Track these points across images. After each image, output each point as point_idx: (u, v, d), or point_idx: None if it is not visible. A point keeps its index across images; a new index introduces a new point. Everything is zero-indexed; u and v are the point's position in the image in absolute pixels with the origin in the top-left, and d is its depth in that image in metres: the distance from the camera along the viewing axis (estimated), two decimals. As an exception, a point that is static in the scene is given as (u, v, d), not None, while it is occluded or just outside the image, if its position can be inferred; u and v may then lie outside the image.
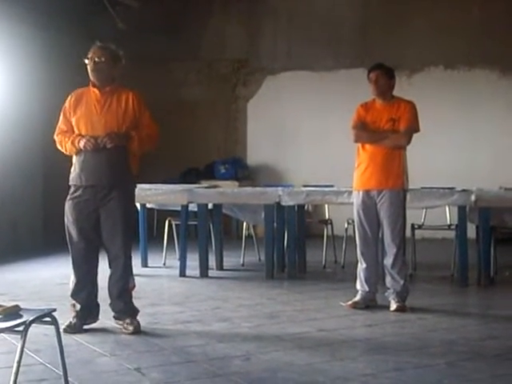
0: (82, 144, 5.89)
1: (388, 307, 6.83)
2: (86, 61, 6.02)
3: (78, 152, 5.97)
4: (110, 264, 6.09)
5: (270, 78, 13.52)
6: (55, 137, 6.11)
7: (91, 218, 5.97)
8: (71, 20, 11.49)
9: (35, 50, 10.88)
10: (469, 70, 12.62)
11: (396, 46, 12.49)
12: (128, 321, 6.02)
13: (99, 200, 5.94)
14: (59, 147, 6.10)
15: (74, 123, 6.02)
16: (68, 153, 6.08)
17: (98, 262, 6.12)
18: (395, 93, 6.98)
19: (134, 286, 6.27)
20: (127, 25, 12.31)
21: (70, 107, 6.06)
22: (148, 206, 9.54)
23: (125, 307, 6.11)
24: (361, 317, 6.63)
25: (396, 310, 6.76)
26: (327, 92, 13.01)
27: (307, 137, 13.12)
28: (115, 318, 6.12)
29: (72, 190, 6.03)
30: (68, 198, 6.03)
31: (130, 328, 5.97)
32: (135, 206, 6.84)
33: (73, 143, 5.94)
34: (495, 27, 12.29)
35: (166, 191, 8.97)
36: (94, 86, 6.05)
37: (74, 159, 6.05)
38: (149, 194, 8.88)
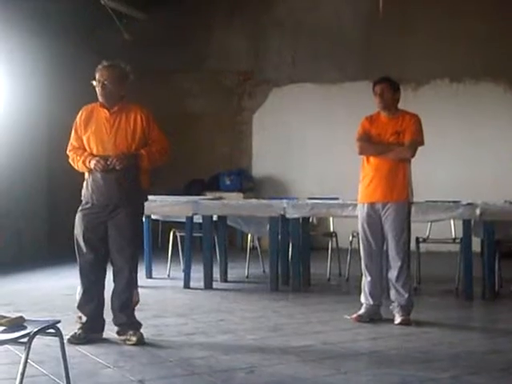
0: (92, 165, 5.96)
1: (392, 320, 6.82)
2: (94, 83, 6.05)
3: (90, 171, 6.04)
4: (114, 277, 6.10)
5: (276, 90, 13.53)
6: (68, 153, 6.18)
7: (99, 229, 6.03)
8: (78, 32, 11.53)
9: (41, 62, 10.91)
10: (474, 84, 12.63)
11: (401, 59, 12.50)
12: (131, 332, 6.03)
13: (108, 213, 6.01)
14: (72, 163, 6.17)
15: (84, 141, 6.09)
16: (79, 170, 6.15)
17: (105, 274, 6.15)
18: (400, 106, 6.98)
19: (138, 301, 6.24)
20: (133, 37, 12.35)
21: (81, 124, 6.11)
22: (153, 217, 9.55)
23: (127, 321, 6.10)
24: (365, 330, 6.61)
25: (400, 324, 6.74)
26: (332, 104, 13.02)
27: (312, 149, 13.12)
28: (118, 332, 6.11)
29: (83, 203, 6.11)
30: (79, 209, 6.11)
31: (134, 339, 5.98)
32: (142, 220, 6.85)
33: (84, 163, 6.02)
34: (501, 40, 12.28)
35: (171, 203, 8.98)
36: (103, 105, 6.10)
37: (87, 176, 6.11)
38: (154, 206, 8.87)
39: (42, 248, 11.23)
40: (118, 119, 6.06)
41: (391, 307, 6.92)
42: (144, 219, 9.29)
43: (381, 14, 12.46)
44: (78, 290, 6.12)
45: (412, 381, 4.95)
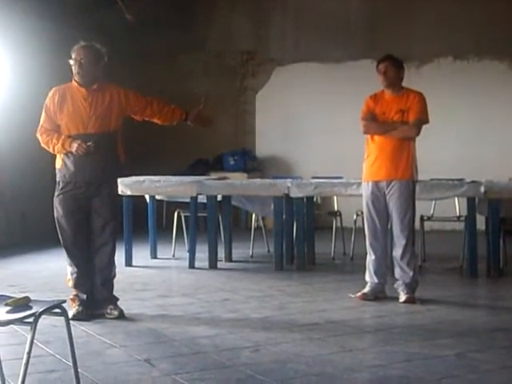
0: (74, 149, 6.00)
1: (397, 299, 6.83)
2: (71, 61, 6.11)
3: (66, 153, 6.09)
4: (94, 254, 6.18)
5: (279, 69, 13.50)
6: (39, 135, 6.20)
7: (84, 208, 6.14)
8: (80, 13, 11.49)
9: (43, 43, 10.90)
10: (478, 61, 12.59)
11: (405, 37, 12.45)
12: (111, 306, 6.16)
13: (94, 190, 6.11)
14: (44, 146, 6.21)
15: (60, 122, 6.12)
16: (55, 153, 6.19)
17: (89, 250, 6.21)
18: (404, 84, 6.96)
19: (115, 275, 6.36)
20: (136, 18, 12.31)
21: (55, 106, 6.14)
22: (157, 197, 9.55)
23: (108, 295, 6.24)
24: (370, 308, 6.63)
25: (405, 302, 6.75)
26: (336, 83, 12.98)
27: (316, 128, 13.09)
28: (96, 305, 6.20)
29: (62, 185, 6.16)
30: (57, 193, 6.18)
31: (115, 313, 6.12)
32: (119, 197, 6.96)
33: (63, 146, 6.06)
34: (504, 18, 12.23)
35: (175, 183, 8.97)
36: (80, 85, 6.13)
37: (63, 156, 6.14)
38: (158, 186, 8.89)
39: (47, 230, 11.22)
40: (95, 97, 6.12)
41: (396, 285, 6.93)
42: (148, 199, 9.39)
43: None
44: (70, 271, 6.22)
45: (417, 358, 4.96)
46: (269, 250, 9.84)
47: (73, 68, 6.11)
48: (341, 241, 9.71)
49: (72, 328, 4.09)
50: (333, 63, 13.08)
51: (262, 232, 10.15)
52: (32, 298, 3.97)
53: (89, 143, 5.97)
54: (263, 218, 10.42)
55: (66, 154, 6.09)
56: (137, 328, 5.87)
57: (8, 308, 3.82)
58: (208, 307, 6.64)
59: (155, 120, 6.47)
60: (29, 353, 3.70)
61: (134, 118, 6.45)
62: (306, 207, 8.87)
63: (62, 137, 6.06)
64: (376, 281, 6.94)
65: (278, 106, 13.39)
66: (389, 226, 7.00)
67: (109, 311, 6.14)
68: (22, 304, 3.88)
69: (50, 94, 6.19)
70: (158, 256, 9.60)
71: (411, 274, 6.84)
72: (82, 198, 6.11)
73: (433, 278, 8.10)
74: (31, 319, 3.70)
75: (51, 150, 6.17)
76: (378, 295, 6.95)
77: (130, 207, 8.94)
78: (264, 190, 8.81)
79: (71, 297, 6.17)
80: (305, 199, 8.79)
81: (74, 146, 5.99)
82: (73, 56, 6.09)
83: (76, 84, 6.14)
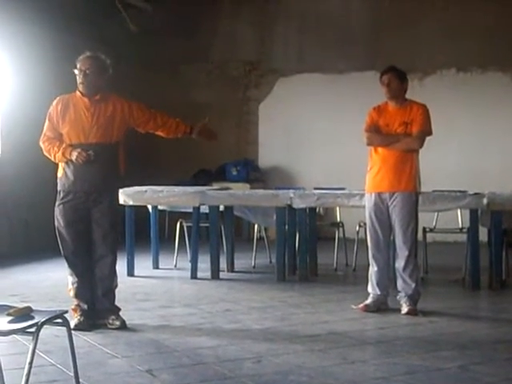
0: (74, 157, 6.01)
1: (399, 310, 6.82)
2: (76, 71, 6.13)
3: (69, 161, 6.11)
4: (95, 264, 6.19)
5: (282, 80, 13.51)
6: (42, 143, 6.24)
7: (84, 218, 6.14)
8: (84, 23, 11.52)
9: (47, 52, 10.92)
10: (481, 73, 12.59)
11: (408, 49, 12.46)
12: (113, 317, 6.16)
13: (92, 201, 6.12)
14: (46, 154, 6.25)
15: (62, 131, 6.14)
16: (57, 161, 6.22)
17: (91, 261, 6.21)
18: (407, 96, 6.97)
19: (117, 286, 6.36)
20: (139, 27, 12.34)
21: (58, 115, 6.17)
22: (160, 207, 9.56)
23: (110, 306, 6.24)
24: (372, 320, 6.62)
25: (407, 314, 6.74)
26: (339, 94, 12.99)
27: (319, 139, 13.10)
28: (99, 317, 6.20)
29: (62, 194, 6.18)
30: (58, 202, 6.20)
31: (117, 323, 6.12)
32: (120, 207, 6.97)
33: (64, 154, 6.08)
34: (508, 30, 12.24)
35: (178, 193, 8.98)
36: (83, 94, 6.16)
37: (64, 165, 6.17)
38: (160, 196, 8.89)
39: (50, 239, 11.22)
40: (98, 108, 6.15)
41: (398, 297, 6.92)
42: (151, 209, 9.40)
43: (388, 4, 12.46)
44: (71, 281, 6.23)
45: (419, 370, 4.95)
46: (271, 261, 9.83)
47: (77, 78, 6.14)
48: (343, 252, 9.69)
49: (74, 338, 4.09)
50: (336, 74, 13.10)
51: (264, 243, 10.14)
52: (34, 308, 3.97)
53: (89, 152, 5.99)
54: (265, 229, 10.42)
55: (66, 163, 6.12)
56: (138, 338, 5.86)
57: (10, 318, 3.81)
58: (210, 318, 6.63)
59: (159, 133, 6.48)
60: (30, 363, 3.70)
61: (138, 130, 6.46)
62: (308, 218, 8.86)
63: (63, 145, 6.08)
64: (378, 292, 6.93)
65: (280, 116, 13.40)
66: (391, 238, 6.99)
67: (110, 321, 6.14)
68: (24, 314, 3.88)
69: (54, 102, 6.23)
70: (160, 266, 9.59)
71: (413, 285, 6.83)
72: (82, 209, 6.12)
73: (435, 290, 8.09)
74: (33, 329, 3.70)
75: (52, 158, 6.20)
76: (381, 307, 6.94)
77: (132, 217, 8.94)
78: (266, 201, 8.81)
79: (73, 307, 6.17)
80: (307, 210, 8.78)
81: (74, 154, 6.00)
82: (78, 66, 6.12)
83: (79, 94, 6.17)
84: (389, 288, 7.04)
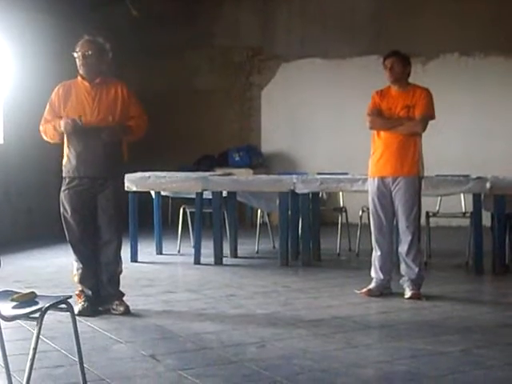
0: (62, 127, 6.04)
1: (403, 295, 6.83)
2: (75, 54, 6.15)
3: (68, 142, 6.12)
4: (100, 250, 6.21)
5: (285, 65, 13.48)
6: (40, 127, 6.26)
7: (90, 204, 6.15)
8: (86, 9, 11.50)
9: (50, 39, 10.91)
10: (484, 57, 12.55)
11: (411, 33, 12.42)
12: (117, 302, 6.19)
13: (98, 186, 6.13)
14: (43, 136, 6.28)
15: (63, 115, 6.13)
16: (51, 140, 6.27)
17: (95, 247, 6.23)
18: (410, 80, 6.96)
19: (121, 271, 6.37)
20: (141, 14, 12.31)
21: (60, 100, 6.19)
22: (163, 193, 9.57)
23: (114, 291, 6.26)
24: (375, 304, 6.63)
25: (411, 298, 6.75)
26: (342, 79, 12.97)
27: (321, 124, 13.08)
28: (103, 302, 6.22)
29: (68, 180, 6.20)
30: (63, 188, 6.21)
31: (121, 308, 6.15)
32: (125, 194, 6.96)
33: (55, 128, 6.11)
34: (510, 14, 12.19)
35: (181, 179, 8.98)
36: (83, 78, 6.18)
37: (67, 151, 6.19)
38: (163, 182, 8.89)
39: (53, 226, 11.25)
40: (99, 91, 6.16)
41: (401, 281, 6.93)
42: (154, 195, 9.40)
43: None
44: (76, 266, 6.25)
45: (422, 354, 4.97)
46: (274, 246, 9.84)
47: (77, 61, 6.15)
48: (346, 237, 9.70)
49: (78, 323, 4.10)
50: (339, 59, 13.06)
51: (267, 228, 10.14)
52: (38, 294, 3.98)
53: (76, 118, 5.98)
54: (269, 214, 10.43)
55: (69, 149, 6.13)
56: (142, 324, 5.88)
57: (14, 303, 3.83)
58: (213, 303, 6.65)
59: None
60: (35, 348, 3.71)
61: None
62: (311, 203, 8.87)
63: (55, 120, 6.11)
64: (381, 277, 6.94)
65: (283, 101, 13.38)
66: (394, 222, 6.99)
67: (114, 307, 6.16)
68: (28, 299, 3.89)
69: (56, 88, 6.25)
70: (164, 252, 9.60)
71: (417, 270, 6.84)
72: (87, 195, 6.13)
73: (438, 274, 8.09)
74: (37, 314, 3.71)
75: (47, 137, 6.25)
76: (384, 291, 6.95)
77: (135, 203, 8.95)
78: (269, 186, 8.81)
79: (77, 292, 6.19)
80: (310, 195, 8.79)
81: (62, 123, 6.03)
82: (77, 49, 6.14)
83: (80, 78, 6.18)
84: (392, 272, 7.04)
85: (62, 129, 6.04)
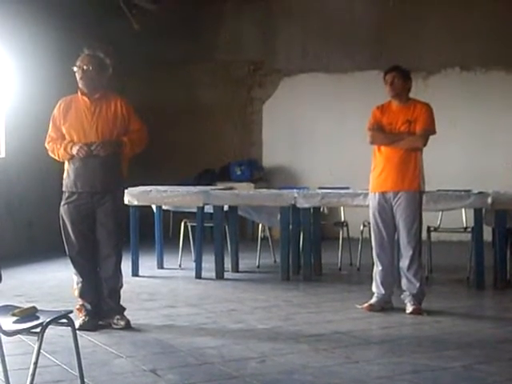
0: (74, 151, 6.06)
1: (404, 310, 6.82)
2: (75, 69, 6.17)
3: (71, 158, 6.13)
4: (100, 264, 6.22)
5: (286, 79, 13.49)
6: (46, 145, 6.30)
7: (89, 219, 6.16)
8: (88, 22, 11.53)
9: (51, 52, 10.93)
10: (485, 72, 12.56)
11: (412, 48, 12.45)
12: (118, 317, 6.19)
13: (95, 202, 6.13)
14: (51, 155, 6.30)
15: (64, 131, 6.18)
16: (61, 159, 6.27)
17: (96, 261, 6.24)
18: (411, 95, 6.97)
19: (122, 286, 6.36)
20: (143, 27, 12.34)
21: (60, 115, 6.21)
22: (164, 207, 9.56)
23: (115, 306, 6.25)
24: (376, 319, 6.62)
25: (412, 313, 6.74)
26: (343, 93, 12.98)
27: (323, 138, 13.08)
28: (104, 317, 6.22)
29: (67, 195, 6.22)
30: (63, 202, 6.23)
31: (122, 323, 6.15)
32: (125, 208, 6.96)
33: (65, 150, 6.12)
34: (511, 29, 12.23)
35: (182, 193, 8.98)
36: (83, 93, 6.20)
37: (67, 166, 6.23)
38: (165, 196, 8.90)
39: (54, 239, 11.23)
40: (98, 106, 6.17)
41: (402, 296, 6.93)
42: (155, 209, 9.40)
43: (392, 3, 12.44)
44: (76, 280, 6.26)
45: (423, 370, 4.96)
46: (275, 261, 9.83)
47: (76, 75, 6.17)
48: (347, 251, 9.69)
49: (78, 338, 4.10)
50: (340, 74, 13.08)
51: (268, 242, 10.14)
52: (39, 308, 3.98)
53: (92, 147, 6.00)
54: (270, 229, 10.42)
55: (69, 163, 6.16)
56: (143, 338, 5.87)
57: (15, 318, 3.83)
58: (214, 317, 6.64)
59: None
60: (35, 363, 3.71)
61: None
62: (312, 217, 8.86)
63: (65, 141, 6.13)
64: (383, 292, 6.93)
65: (284, 116, 13.39)
66: (396, 237, 6.99)
67: (115, 321, 6.15)
68: (29, 314, 3.89)
69: (58, 104, 6.27)
70: (165, 266, 9.60)
71: (418, 285, 6.83)
72: (86, 209, 6.14)
73: (439, 289, 8.08)
74: (38, 329, 3.71)
75: (57, 157, 6.25)
76: (385, 306, 6.94)
77: (136, 217, 8.96)
78: (271, 201, 8.81)
79: (77, 307, 6.19)
80: (311, 210, 8.78)
81: (75, 149, 6.04)
82: (77, 64, 6.16)
83: (80, 93, 6.20)
84: (393, 287, 7.04)
85: (74, 153, 6.05)
